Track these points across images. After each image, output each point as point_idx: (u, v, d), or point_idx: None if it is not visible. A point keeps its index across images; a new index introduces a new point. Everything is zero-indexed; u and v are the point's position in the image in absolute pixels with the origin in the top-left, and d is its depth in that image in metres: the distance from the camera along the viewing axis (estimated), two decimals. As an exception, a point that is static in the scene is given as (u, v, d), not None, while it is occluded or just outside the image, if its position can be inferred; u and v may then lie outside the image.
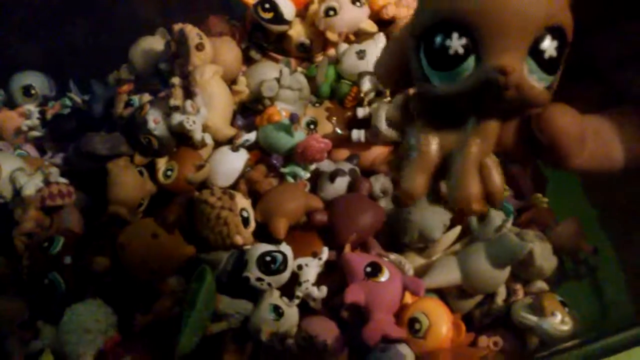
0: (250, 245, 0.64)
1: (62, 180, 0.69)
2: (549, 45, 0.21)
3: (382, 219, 0.65)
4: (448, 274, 0.63)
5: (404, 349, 0.57)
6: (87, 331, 0.58)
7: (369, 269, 0.58)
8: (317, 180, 0.70)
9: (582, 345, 0.57)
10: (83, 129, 0.74)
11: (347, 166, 0.70)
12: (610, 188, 0.68)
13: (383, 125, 0.70)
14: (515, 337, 0.63)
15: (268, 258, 0.61)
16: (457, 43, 0.21)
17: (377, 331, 0.56)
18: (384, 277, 0.57)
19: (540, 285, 0.65)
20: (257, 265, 0.61)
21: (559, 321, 0.59)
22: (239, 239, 0.64)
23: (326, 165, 0.71)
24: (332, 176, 0.68)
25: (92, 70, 0.85)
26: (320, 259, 0.63)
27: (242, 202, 0.67)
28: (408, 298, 0.61)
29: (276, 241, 0.65)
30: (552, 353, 0.59)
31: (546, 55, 0.21)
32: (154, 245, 0.63)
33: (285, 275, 0.60)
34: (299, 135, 0.69)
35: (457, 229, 0.67)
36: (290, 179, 0.69)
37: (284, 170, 0.69)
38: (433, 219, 0.64)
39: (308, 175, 0.70)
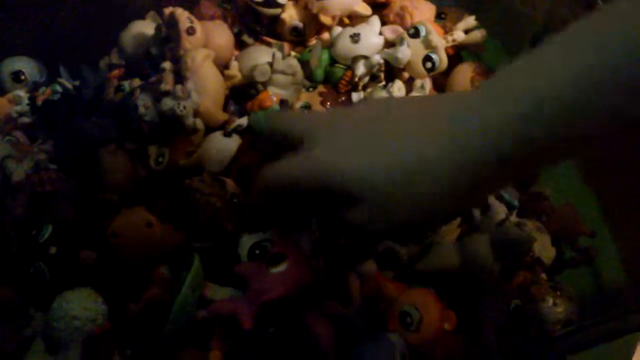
0: (241, 235, 0.64)
1: (52, 166, 0.69)
2: None
3: None
4: (445, 260, 0.63)
5: (393, 337, 0.57)
6: (75, 318, 0.57)
7: (273, 256, 0.56)
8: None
9: (582, 329, 0.56)
10: (73, 114, 0.73)
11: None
12: (611, 173, 0.68)
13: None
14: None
15: (257, 251, 0.61)
16: None
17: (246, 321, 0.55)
18: (275, 270, 0.56)
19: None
20: (248, 254, 0.60)
21: (550, 305, 0.59)
22: (229, 227, 0.64)
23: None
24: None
25: (83, 55, 0.84)
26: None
27: (233, 188, 0.66)
28: (394, 291, 0.60)
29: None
30: (553, 338, 0.59)
31: None
32: (147, 233, 0.62)
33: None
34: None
35: (457, 221, 0.66)
36: None
37: None
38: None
39: None
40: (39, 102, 0.78)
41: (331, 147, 0.44)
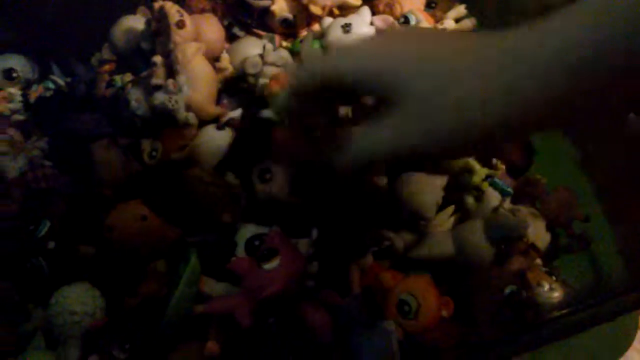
0: (239, 226, 0.64)
1: (47, 163, 0.69)
2: None
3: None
4: (440, 247, 0.64)
5: (390, 325, 0.57)
6: (73, 313, 0.58)
7: (265, 252, 0.57)
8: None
9: (577, 312, 0.57)
10: (66, 111, 0.73)
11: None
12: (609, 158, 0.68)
13: (369, 100, 0.69)
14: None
15: (257, 242, 0.61)
16: None
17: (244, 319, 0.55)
18: (268, 266, 0.56)
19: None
20: (245, 249, 0.60)
21: (547, 290, 0.59)
22: (227, 217, 0.64)
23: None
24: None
25: (74, 52, 0.84)
26: (310, 237, 0.62)
27: (232, 180, 0.67)
28: (391, 280, 0.61)
29: (266, 222, 0.64)
30: (548, 321, 0.59)
31: None
32: (143, 227, 0.62)
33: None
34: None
35: (450, 208, 0.67)
36: None
37: None
38: (425, 198, 0.63)
39: None
40: (32, 99, 0.78)
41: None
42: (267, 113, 0.70)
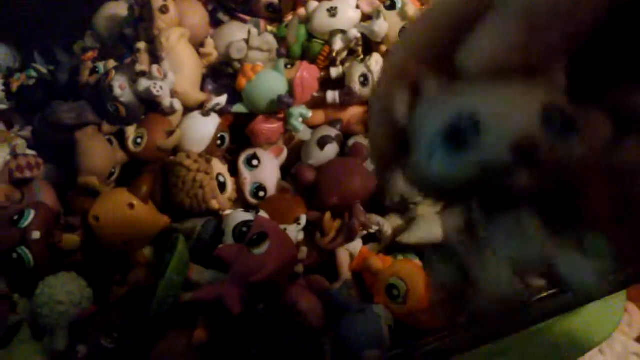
0: (228, 212, 0.64)
1: (30, 152, 0.68)
2: None
3: (372, 186, 0.63)
4: (429, 231, 0.63)
5: (379, 309, 0.57)
6: (59, 303, 0.57)
7: (254, 237, 0.56)
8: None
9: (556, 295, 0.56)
10: (50, 99, 0.72)
11: (332, 132, 0.69)
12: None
13: (357, 85, 0.69)
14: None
15: (244, 228, 0.60)
16: None
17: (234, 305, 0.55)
18: (257, 251, 0.56)
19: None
20: (232, 235, 0.60)
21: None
22: (214, 204, 0.63)
23: (306, 132, 0.70)
24: (322, 143, 0.67)
25: (57, 40, 0.83)
26: (299, 224, 0.62)
27: (219, 166, 0.66)
28: (380, 264, 0.60)
29: (254, 208, 0.64)
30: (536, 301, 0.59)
31: None
32: (129, 215, 0.62)
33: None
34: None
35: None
36: (295, 123, 0.68)
37: (292, 111, 0.67)
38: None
39: (310, 114, 0.69)
40: (14, 88, 0.77)
41: None
42: (238, 107, 0.69)
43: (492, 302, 0.18)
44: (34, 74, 0.79)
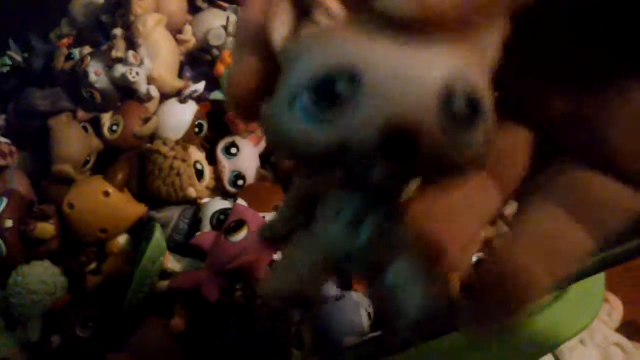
0: (206, 200, 0.63)
1: (4, 140, 0.67)
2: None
3: None
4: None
5: (359, 297, 0.57)
6: (32, 293, 0.56)
7: (232, 224, 0.56)
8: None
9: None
10: (24, 86, 0.70)
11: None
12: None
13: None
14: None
15: (222, 217, 0.60)
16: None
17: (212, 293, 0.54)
18: (235, 238, 0.55)
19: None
20: (210, 223, 0.59)
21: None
22: (192, 192, 0.63)
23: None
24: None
25: (33, 28, 0.81)
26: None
27: (197, 154, 0.65)
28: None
29: (232, 197, 0.63)
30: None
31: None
32: (105, 203, 0.61)
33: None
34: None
35: (418, 180, 0.66)
36: None
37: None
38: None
39: None
40: (-12, 76, 0.76)
41: None
42: (216, 94, 0.68)
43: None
44: (8, 62, 0.77)
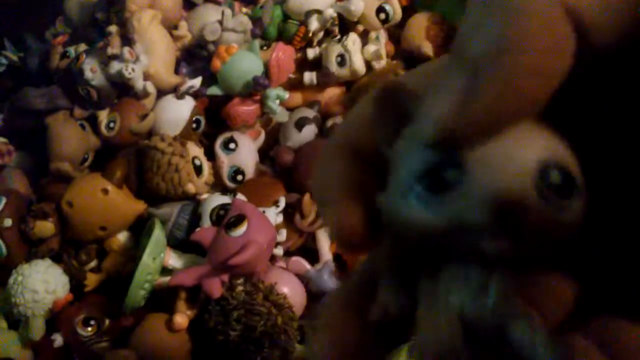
0: (205, 196, 0.63)
1: (1, 139, 0.67)
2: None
3: None
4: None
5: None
6: (34, 292, 0.56)
7: (232, 219, 0.56)
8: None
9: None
10: (20, 85, 0.70)
11: (310, 113, 0.68)
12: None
13: (334, 66, 0.68)
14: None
15: (222, 212, 0.59)
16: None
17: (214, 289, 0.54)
18: (235, 233, 0.55)
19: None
20: (210, 219, 0.59)
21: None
22: (190, 187, 0.62)
23: (284, 114, 0.69)
24: (299, 124, 0.66)
25: (28, 27, 0.81)
26: (278, 206, 0.61)
27: (195, 150, 0.65)
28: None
29: (231, 192, 0.63)
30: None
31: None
32: (104, 201, 0.60)
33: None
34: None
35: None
36: (271, 104, 0.66)
37: (269, 93, 0.66)
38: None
39: (287, 96, 0.68)
40: (-17, 76, 0.76)
41: None
42: (213, 89, 0.68)
43: (427, 345, 0.16)
44: (4, 61, 0.77)
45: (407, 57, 0.73)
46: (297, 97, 0.72)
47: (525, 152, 0.14)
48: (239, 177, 0.66)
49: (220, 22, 0.69)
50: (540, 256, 0.15)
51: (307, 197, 0.61)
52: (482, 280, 0.15)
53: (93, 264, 0.62)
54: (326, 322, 0.16)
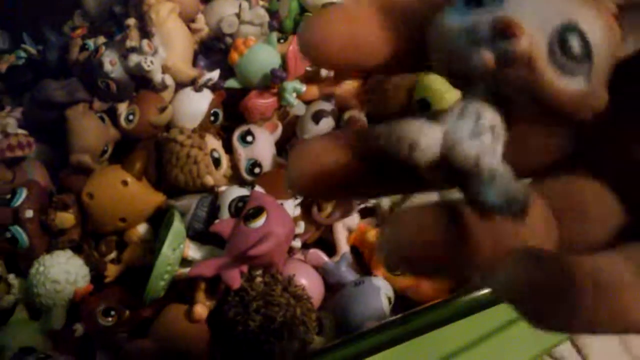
0: (223, 188, 0.63)
1: (21, 131, 0.67)
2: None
3: None
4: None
5: (378, 281, 0.57)
6: (55, 282, 0.57)
7: (250, 211, 0.56)
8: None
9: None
10: (40, 78, 0.71)
11: (327, 106, 0.68)
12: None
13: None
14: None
15: (240, 204, 0.60)
16: None
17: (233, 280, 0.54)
18: (254, 224, 0.55)
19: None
20: (229, 211, 0.59)
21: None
22: (209, 179, 0.63)
23: (301, 107, 0.69)
24: (316, 117, 0.66)
25: (46, 21, 0.82)
26: (296, 199, 0.61)
27: (213, 142, 0.65)
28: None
29: (249, 185, 0.63)
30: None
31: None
32: (124, 192, 0.61)
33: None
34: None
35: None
36: (288, 97, 0.66)
37: (286, 85, 0.66)
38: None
39: (304, 89, 0.68)
40: (3, 69, 0.76)
41: None
42: (231, 82, 0.68)
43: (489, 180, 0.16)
44: (23, 54, 0.78)
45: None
46: (314, 90, 0.72)
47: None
48: (257, 170, 0.66)
49: (238, 15, 0.69)
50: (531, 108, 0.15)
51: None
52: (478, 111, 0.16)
53: (113, 255, 0.62)
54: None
